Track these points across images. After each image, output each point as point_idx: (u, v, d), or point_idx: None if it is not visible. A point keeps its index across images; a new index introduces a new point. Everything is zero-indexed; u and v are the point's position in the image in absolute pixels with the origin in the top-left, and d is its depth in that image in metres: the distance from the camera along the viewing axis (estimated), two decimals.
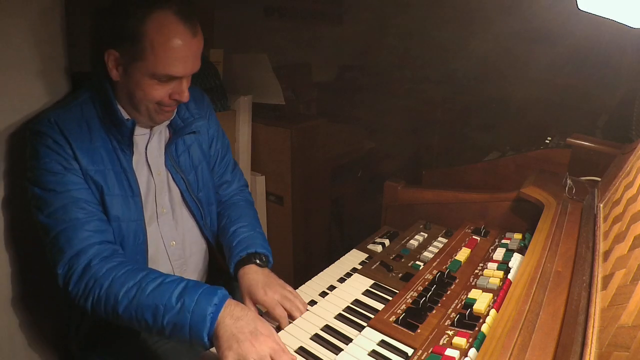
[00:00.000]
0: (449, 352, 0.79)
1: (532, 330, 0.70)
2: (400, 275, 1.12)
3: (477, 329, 0.84)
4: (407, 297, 0.98)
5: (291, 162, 2.09)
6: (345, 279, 1.14)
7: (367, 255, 1.27)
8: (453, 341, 0.82)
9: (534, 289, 0.79)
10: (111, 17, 0.92)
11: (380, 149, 2.81)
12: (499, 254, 1.11)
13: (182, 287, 0.85)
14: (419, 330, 0.88)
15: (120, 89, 0.98)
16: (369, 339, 0.89)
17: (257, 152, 2.18)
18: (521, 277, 0.85)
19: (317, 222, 2.35)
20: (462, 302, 0.95)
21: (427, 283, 1.03)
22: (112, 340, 1.08)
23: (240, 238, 1.12)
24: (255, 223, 1.21)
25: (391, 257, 1.20)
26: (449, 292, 1.00)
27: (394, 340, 0.87)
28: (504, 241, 1.18)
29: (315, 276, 1.16)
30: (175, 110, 1.07)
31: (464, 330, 0.85)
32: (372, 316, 0.95)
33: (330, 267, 1.21)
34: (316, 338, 0.92)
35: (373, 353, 0.85)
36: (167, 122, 1.08)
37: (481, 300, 0.92)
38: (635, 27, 0.97)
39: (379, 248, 1.28)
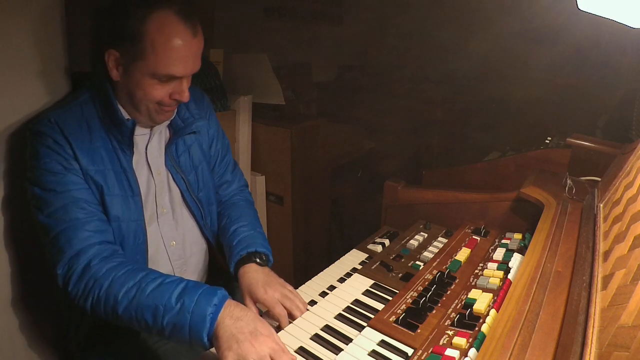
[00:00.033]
0: (449, 352, 0.79)
1: (532, 330, 0.70)
2: (400, 275, 1.12)
3: (477, 329, 0.84)
4: (407, 297, 0.98)
5: (291, 162, 2.09)
6: (345, 279, 1.14)
7: (367, 255, 1.27)
8: (453, 341, 0.82)
9: (534, 289, 0.79)
10: (111, 17, 0.92)
11: (380, 149, 2.81)
12: (499, 254, 1.11)
13: (181, 287, 0.85)
14: (419, 330, 0.88)
15: (121, 89, 0.98)
16: (369, 339, 0.89)
17: (257, 152, 2.18)
18: (521, 277, 0.85)
19: (317, 222, 2.35)
20: (462, 302, 0.95)
21: (427, 283, 1.03)
22: (111, 340, 1.07)
23: (241, 237, 1.12)
24: (255, 222, 1.21)
25: (391, 257, 1.20)
26: (449, 292, 1.00)
27: (394, 340, 0.87)
28: (504, 241, 1.18)
29: (315, 276, 1.16)
30: (176, 111, 1.07)
31: (464, 330, 0.85)
32: (372, 316, 0.95)
33: (330, 267, 1.21)
34: (316, 338, 0.92)
35: (373, 353, 0.85)
36: (168, 122, 1.08)
37: (481, 300, 0.92)
38: (635, 27, 0.97)
39: (379, 248, 1.28)
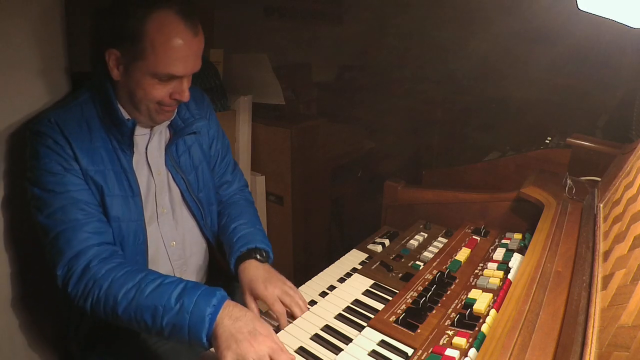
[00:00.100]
0: (449, 352, 0.79)
1: (532, 330, 0.70)
2: (400, 275, 1.12)
3: (477, 329, 0.84)
4: (407, 297, 0.98)
5: (291, 162, 2.09)
6: (345, 279, 1.14)
7: (367, 255, 1.27)
8: (453, 341, 0.82)
9: (534, 289, 0.79)
10: (111, 17, 0.92)
11: (380, 149, 2.81)
12: (499, 254, 1.11)
13: (181, 288, 0.85)
14: (419, 330, 0.88)
15: (121, 89, 0.98)
16: (369, 339, 0.89)
17: (257, 152, 2.18)
18: (521, 277, 0.85)
19: (317, 222, 2.35)
20: (462, 302, 0.95)
21: (427, 283, 1.03)
22: (111, 340, 1.07)
23: (241, 234, 1.12)
24: (255, 220, 1.21)
25: (391, 257, 1.20)
26: (449, 292, 1.00)
27: (394, 340, 0.87)
28: (504, 241, 1.18)
29: (315, 276, 1.16)
30: (176, 111, 1.07)
31: (464, 330, 0.85)
32: (372, 316, 0.95)
33: (330, 267, 1.21)
34: (316, 338, 0.92)
35: (373, 353, 0.85)
36: (168, 123, 1.08)
37: (481, 300, 0.92)
38: (635, 27, 0.97)
39: (379, 248, 1.28)
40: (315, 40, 2.98)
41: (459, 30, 2.74)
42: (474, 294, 0.96)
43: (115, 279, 0.88)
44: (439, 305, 0.95)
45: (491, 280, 1.00)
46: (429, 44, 2.97)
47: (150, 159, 1.06)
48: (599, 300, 0.64)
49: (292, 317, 0.99)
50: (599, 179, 1.24)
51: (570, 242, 0.93)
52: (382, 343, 0.87)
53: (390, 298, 1.02)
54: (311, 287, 1.11)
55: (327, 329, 0.94)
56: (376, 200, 1.56)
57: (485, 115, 2.82)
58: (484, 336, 0.80)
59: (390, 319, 0.92)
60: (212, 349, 0.83)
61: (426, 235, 1.30)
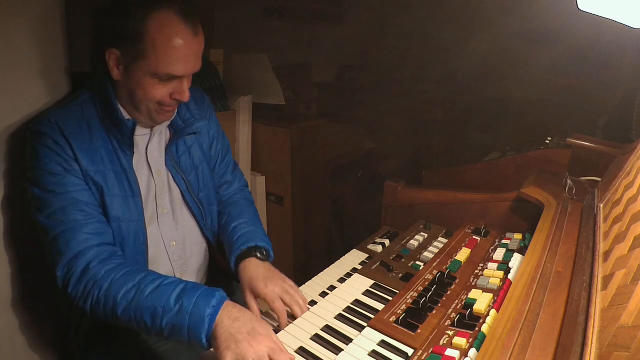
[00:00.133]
0: (449, 352, 0.79)
1: (532, 330, 0.70)
2: (400, 275, 1.12)
3: (477, 329, 0.84)
4: (407, 297, 0.98)
5: (291, 162, 2.09)
6: (345, 279, 1.14)
7: (367, 255, 1.27)
8: (453, 341, 0.82)
9: (534, 289, 0.79)
10: (111, 17, 0.92)
11: (380, 149, 2.81)
12: (499, 254, 1.11)
13: (180, 288, 0.86)
14: (419, 330, 0.88)
15: (121, 88, 0.98)
16: (369, 339, 0.89)
17: (257, 152, 2.18)
18: (521, 277, 0.85)
19: (317, 222, 2.35)
20: (462, 302, 0.95)
21: (427, 283, 1.03)
22: (111, 340, 1.07)
23: (241, 233, 1.12)
24: (255, 219, 1.21)
25: (391, 257, 1.20)
26: (449, 292, 1.00)
27: (394, 340, 0.87)
28: (504, 241, 1.18)
29: (315, 276, 1.16)
30: (176, 111, 1.07)
31: (464, 330, 0.85)
32: (372, 316, 0.95)
33: (330, 267, 1.21)
34: (316, 338, 0.92)
35: (373, 353, 0.85)
36: (168, 123, 1.08)
37: (481, 300, 0.92)
38: (635, 27, 0.97)
39: (379, 248, 1.28)
40: (315, 40, 2.98)
41: (459, 30, 2.74)
42: (474, 294, 0.96)
43: (115, 280, 0.88)
44: (439, 305, 0.95)
45: (491, 280, 1.00)
46: (429, 44, 2.97)
47: (150, 159, 1.06)
48: (599, 300, 0.64)
49: (292, 316, 0.99)
50: (599, 179, 1.24)
51: (570, 242, 0.93)
52: (382, 343, 0.87)
53: (390, 298, 1.02)
54: (311, 287, 1.11)
55: (327, 329, 0.94)
56: (376, 200, 1.56)
57: (485, 115, 2.82)
58: (484, 336, 0.80)
59: (390, 319, 0.92)
60: (212, 349, 0.83)
61: (426, 235, 1.30)
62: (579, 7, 0.96)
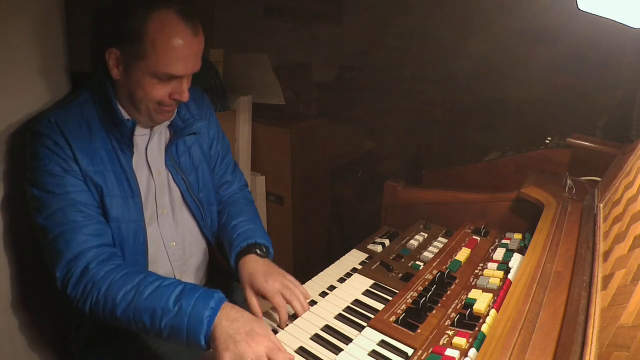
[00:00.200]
0: (449, 352, 0.79)
1: (532, 330, 0.70)
2: (400, 275, 1.12)
3: (477, 329, 0.84)
4: (407, 297, 0.98)
5: (291, 162, 2.09)
6: (345, 279, 1.14)
7: (367, 255, 1.27)
8: (453, 341, 0.82)
9: (534, 289, 0.79)
10: (112, 16, 0.92)
11: (380, 149, 2.81)
12: (499, 254, 1.11)
13: (179, 290, 0.86)
14: (419, 330, 0.88)
15: (121, 88, 0.98)
16: (369, 339, 0.89)
17: (257, 152, 2.18)
18: (521, 277, 0.85)
19: (317, 222, 2.35)
20: (462, 302, 0.95)
21: (427, 283, 1.03)
22: (111, 340, 1.07)
23: (241, 231, 1.12)
24: (255, 218, 1.21)
25: (391, 257, 1.20)
26: (449, 292, 1.00)
27: (394, 340, 0.87)
28: (504, 241, 1.18)
29: (315, 276, 1.16)
30: (176, 111, 1.07)
31: (464, 330, 0.85)
32: (372, 316, 0.95)
33: (330, 267, 1.21)
34: (316, 338, 0.92)
35: (373, 353, 0.85)
36: (168, 123, 1.08)
37: (481, 300, 0.92)
38: (635, 27, 0.97)
39: (379, 248, 1.28)
40: (315, 40, 2.98)
41: (459, 30, 2.74)
42: (474, 294, 0.96)
43: (114, 281, 0.88)
44: (439, 305, 0.95)
45: (491, 280, 1.00)
46: (429, 44, 2.97)
47: (150, 159, 1.06)
48: (599, 300, 0.64)
49: (293, 316, 0.99)
50: (599, 179, 1.24)
51: (570, 242, 0.93)
52: (382, 343, 0.87)
53: (390, 298, 1.02)
54: (311, 287, 1.11)
55: (327, 329, 0.94)
56: (376, 200, 1.56)
57: (485, 115, 2.82)
58: (484, 336, 0.80)
59: (390, 319, 0.92)
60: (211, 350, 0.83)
61: (426, 235, 1.30)
62: (579, 7, 0.96)
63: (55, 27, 1.11)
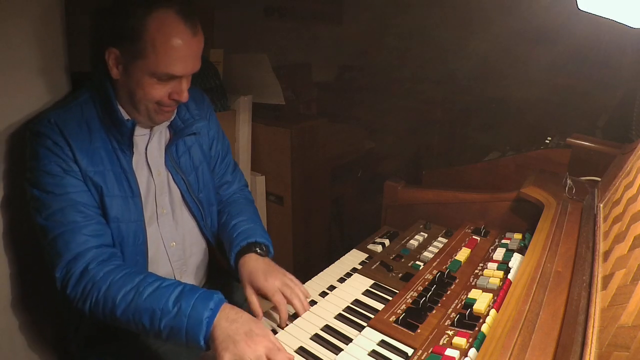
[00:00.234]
0: (449, 352, 0.79)
1: (532, 330, 0.70)
2: (400, 275, 1.12)
3: (477, 329, 0.84)
4: (407, 297, 0.98)
5: (291, 162, 2.09)
6: (345, 279, 1.14)
7: (367, 255, 1.27)
8: (453, 341, 0.82)
9: (534, 289, 0.79)
10: (111, 16, 0.92)
11: (380, 149, 2.81)
12: (499, 254, 1.11)
13: (178, 291, 0.86)
14: (419, 330, 0.88)
15: (121, 88, 0.98)
16: (369, 339, 0.89)
17: (257, 152, 2.18)
18: (521, 277, 0.84)
19: (317, 222, 2.35)
20: (462, 302, 0.95)
21: (427, 283, 1.03)
22: (111, 341, 1.08)
23: (241, 230, 1.12)
24: (255, 217, 1.21)
25: (391, 257, 1.20)
26: (449, 292, 1.00)
27: (394, 340, 0.87)
28: (504, 241, 1.18)
29: (315, 276, 1.16)
30: (175, 111, 1.07)
31: (464, 330, 0.85)
32: (372, 316, 0.95)
33: (330, 267, 1.21)
34: (316, 338, 0.92)
35: (373, 353, 0.85)
36: (168, 123, 1.08)
37: (481, 300, 0.92)
38: (635, 27, 0.97)
39: (379, 248, 1.28)
40: (315, 40, 2.98)
41: (459, 30, 2.74)
42: (474, 294, 0.96)
43: (114, 282, 0.88)
44: (439, 305, 0.95)
45: (491, 280, 1.00)
46: (429, 44, 2.97)
47: (150, 159, 1.06)
48: (599, 300, 0.64)
49: (293, 316, 0.99)
50: (599, 179, 1.24)
51: (570, 242, 0.93)
52: (382, 343, 0.87)
53: (390, 298, 1.02)
54: (311, 287, 1.11)
55: (327, 329, 0.94)
56: (376, 200, 1.56)
57: (485, 115, 2.82)
58: (484, 336, 0.80)
59: (390, 319, 0.92)
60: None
61: (426, 235, 1.30)
62: (579, 7, 0.96)
63: (55, 27, 1.11)
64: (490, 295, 0.93)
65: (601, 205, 0.97)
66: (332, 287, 1.11)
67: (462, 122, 3.02)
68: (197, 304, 0.83)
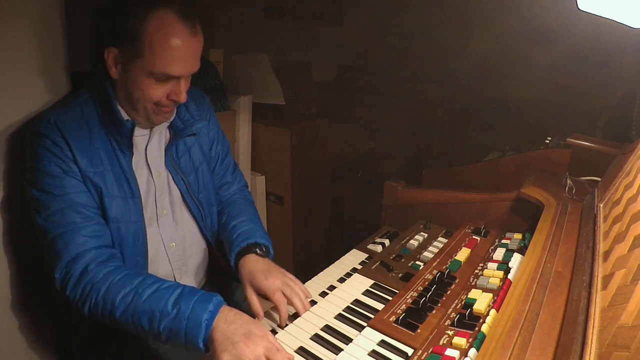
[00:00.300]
0: (449, 352, 0.79)
1: (532, 330, 0.70)
2: (400, 275, 1.12)
3: (477, 329, 0.84)
4: (407, 297, 0.98)
5: (291, 162, 2.09)
6: (345, 279, 1.14)
7: (367, 255, 1.27)
8: (453, 341, 0.82)
9: (534, 289, 0.79)
10: (111, 16, 0.92)
11: (380, 149, 2.81)
12: (499, 254, 1.11)
13: (177, 293, 0.86)
14: (419, 330, 0.88)
15: (120, 88, 0.98)
16: (369, 339, 0.89)
17: (257, 152, 2.18)
18: (521, 277, 0.84)
19: (317, 222, 2.35)
20: (462, 302, 0.95)
21: (427, 283, 1.03)
22: (111, 341, 1.07)
23: (241, 231, 1.12)
24: (255, 218, 1.21)
25: (391, 257, 1.20)
26: (449, 292, 1.00)
27: (394, 340, 0.87)
28: (504, 241, 1.18)
29: (315, 276, 1.16)
30: (175, 112, 1.07)
31: (464, 330, 0.85)
32: (372, 316, 0.95)
33: (330, 267, 1.21)
34: (316, 338, 0.92)
35: (373, 353, 0.85)
36: (167, 124, 1.08)
37: (481, 300, 0.92)
38: (635, 27, 0.97)
39: (379, 248, 1.28)
40: (315, 40, 2.98)
41: (459, 30, 2.74)
42: (474, 294, 0.96)
43: (113, 283, 0.88)
44: (439, 305, 0.95)
45: (491, 280, 1.00)
46: (429, 44, 2.97)
47: (150, 160, 1.06)
48: (599, 300, 0.64)
49: (293, 316, 0.99)
50: (599, 179, 1.24)
51: (570, 242, 0.93)
52: (382, 343, 0.87)
53: (390, 298, 1.02)
54: (311, 287, 1.11)
55: (327, 329, 0.94)
56: (376, 200, 1.56)
57: (485, 115, 2.82)
58: (484, 336, 0.80)
59: (390, 319, 0.92)
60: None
61: (426, 235, 1.30)
62: (579, 7, 0.96)
63: (55, 27, 1.11)
64: (490, 295, 0.93)
65: (601, 205, 0.97)
66: (332, 287, 1.11)
67: (462, 122, 3.02)
68: (196, 306, 0.83)
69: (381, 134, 2.87)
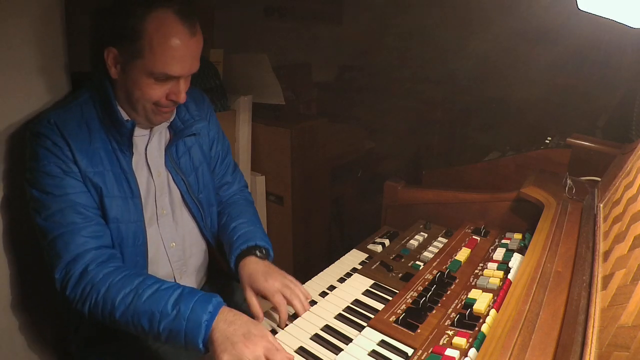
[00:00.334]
0: (449, 352, 0.79)
1: (532, 330, 0.70)
2: (400, 275, 1.12)
3: (477, 329, 0.84)
4: (407, 297, 0.98)
5: (291, 162, 2.09)
6: (345, 279, 1.14)
7: (367, 255, 1.27)
8: (453, 341, 0.82)
9: (534, 289, 0.79)
10: (111, 16, 0.92)
11: (380, 149, 2.81)
12: (499, 254, 1.11)
13: (177, 294, 0.86)
14: (419, 330, 0.88)
15: (119, 88, 0.97)
16: (369, 339, 0.89)
17: (257, 152, 2.18)
18: (521, 277, 0.84)
19: (317, 222, 2.35)
20: (462, 302, 0.95)
21: (427, 283, 1.03)
22: (111, 341, 1.07)
23: (241, 233, 1.12)
24: (255, 220, 1.21)
25: (391, 257, 1.20)
26: (449, 292, 1.00)
27: (394, 340, 0.87)
28: (504, 241, 1.18)
29: (315, 276, 1.16)
30: (174, 112, 1.07)
31: (464, 330, 0.85)
32: (372, 316, 0.95)
33: (330, 267, 1.21)
34: (316, 338, 0.92)
35: (373, 353, 0.85)
36: (167, 124, 1.08)
37: (481, 300, 0.92)
38: (635, 27, 0.97)
39: (379, 248, 1.28)
40: (315, 40, 2.98)
41: (459, 30, 2.75)
42: (474, 294, 0.96)
43: (113, 284, 0.88)
44: (439, 305, 0.95)
45: (491, 280, 1.00)
46: (429, 44, 2.98)
47: (150, 160, 1.06)
48: (599, 300, 0.64)
49: (293, 316, 0.99)
50: (599, 179, 1.24)
51: (570, 242, 0.93)
52: (382, 343, 0.87)
53: (390, 298, 1.02)
54: (311, 287, 1.11)
55: (327, 329, 0.94)
56: (376, 200, 1.56)
57: (485, 115, 2.82)
58: (484, 336, 0.80)
59: (390, 319, 0.92)
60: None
61: (426, 235, 1.30)
62: (579, 7, 0.96)
63: (55, 27, 1.11)
64: (490, 295, 0.93)
65: (601, 205, 0.97)
66: (332, 287, 1.11)
67: (462, 122, 3.03)
68: (195, 306, 0.83)
69: (381, 134, 2.87)
